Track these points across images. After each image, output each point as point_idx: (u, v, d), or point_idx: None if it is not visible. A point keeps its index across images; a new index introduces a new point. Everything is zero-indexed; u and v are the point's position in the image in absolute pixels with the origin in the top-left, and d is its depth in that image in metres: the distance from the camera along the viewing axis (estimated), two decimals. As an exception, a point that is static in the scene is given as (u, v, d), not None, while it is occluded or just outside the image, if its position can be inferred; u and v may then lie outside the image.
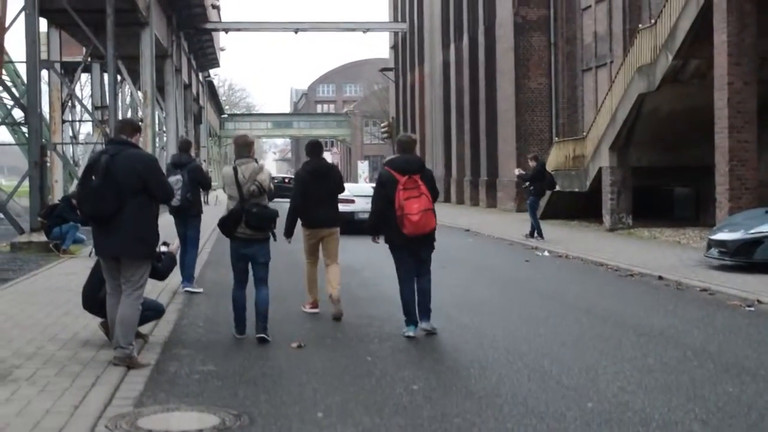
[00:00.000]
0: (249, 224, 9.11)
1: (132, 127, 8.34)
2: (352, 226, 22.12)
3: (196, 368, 7.88)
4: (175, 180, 12.50)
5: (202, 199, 13.23)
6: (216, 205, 36.24)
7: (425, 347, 8.92)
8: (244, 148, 9.44)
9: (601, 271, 16.01)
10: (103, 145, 8.10)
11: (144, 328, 9.03)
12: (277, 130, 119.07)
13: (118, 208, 7.73)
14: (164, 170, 13.82)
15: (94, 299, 8.64)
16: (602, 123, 24.65)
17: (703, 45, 19.21)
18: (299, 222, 11.13)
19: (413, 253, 9.60)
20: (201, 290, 12.93)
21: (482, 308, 11.43)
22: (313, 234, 11.09)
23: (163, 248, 8.98)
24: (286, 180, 61.32)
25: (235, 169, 9.16)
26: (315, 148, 11.30)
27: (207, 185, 14.55)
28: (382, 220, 9.61)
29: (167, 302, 11.51)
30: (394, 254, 9.75)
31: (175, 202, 12.45)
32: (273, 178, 10.83)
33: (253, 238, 9.22)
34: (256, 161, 9.44)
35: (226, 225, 9.24)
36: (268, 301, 9.31)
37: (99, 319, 8.76)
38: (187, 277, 13.04)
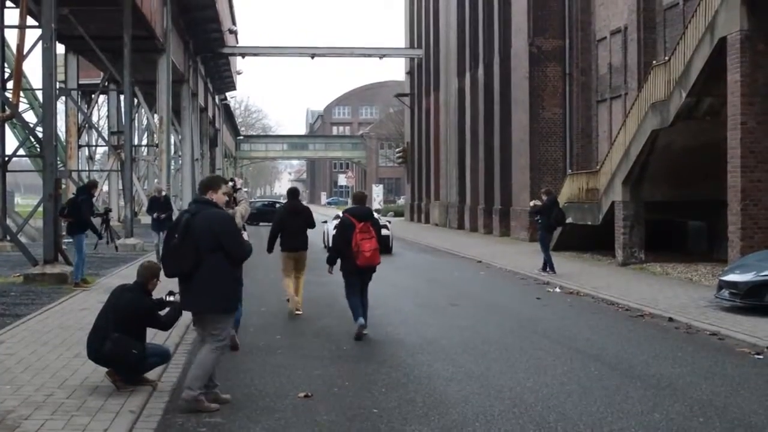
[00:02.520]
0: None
1: (214, 187, 8.64)
2: None
3: (203, 420, 7.93)
4: None
5: None
6: None
7: (432, 397, 8.93)
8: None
9: (612, 310, 15.99)
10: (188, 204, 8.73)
11: (152, 374, 9.12)
12: (292, 152, 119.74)
13: (195, 265, 8.15)
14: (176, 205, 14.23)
15: (98, 352, 8.70)
16: (616, 157, 24.68)
17: (717, 83, 19.26)
18: (279, 248, 15.05)
19: (361, 279, 12.82)
20: None
21: (491, 353, 11.43)
22: (290, 255, 15.09)
23: (170, 298, 9.05)
24: (270, 204, 62.03)
25: None
26: (293, 193, 15.95)
27: None
28: (339, 256, 12.82)
29: (176, 342, 11.60)
30: (347, 278, 12.85)
31: None
32: (252, 203, 13.62)
33: None
34: (234, 205, 11.10)
35: None
36: (239, 318, 11.49)
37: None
38: None
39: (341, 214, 13.02)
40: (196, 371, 8.25)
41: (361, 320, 12.60)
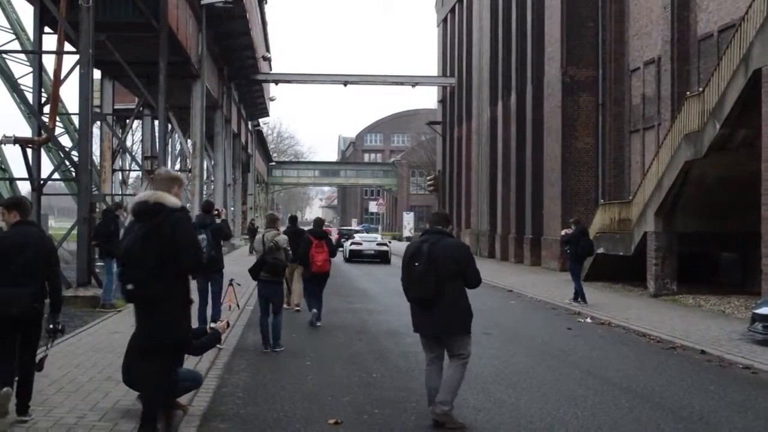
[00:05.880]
0: (267, 270, 13.74)
1: (447, 219, 9.60)
2: (359, 257, 44.59)
3: (233, 444, 7.95)
4: (201, 239, 13.75)
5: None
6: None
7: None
8: (273, 223, 14.84)
9: (644, 342, 15.88)
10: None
11: (183, 399, 9.14)
12: (324, 179, 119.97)
13: (438, 290, 8.82)
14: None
15: (133, 378, 8.73)
16: (648, 188, 24.58)
17: (751, 114, 19.16)
18: None
19: (317, 282, 17.32)
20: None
21: (521, 383, 11.38)
22: (291, 267, 18.12)
23: (212, 324, 9.13)
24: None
25: (263, 236, 14.24)
26: (292, 219, 21.11)
27: (229, 237, 17.04)
28: (303, 262, 17.31)
29: (207, 366, 11.64)
30: (305, 282, 17.85)
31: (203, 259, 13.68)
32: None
33: (270, 281, 13.83)
34: (277, 229, 14.56)
35: (253, 271, 13.97)
36: (280, 326, 13.88)
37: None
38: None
39: (305, 235, 17.61)
40: (446, 388, 8.77)
41: (315, 311, 16.99)
